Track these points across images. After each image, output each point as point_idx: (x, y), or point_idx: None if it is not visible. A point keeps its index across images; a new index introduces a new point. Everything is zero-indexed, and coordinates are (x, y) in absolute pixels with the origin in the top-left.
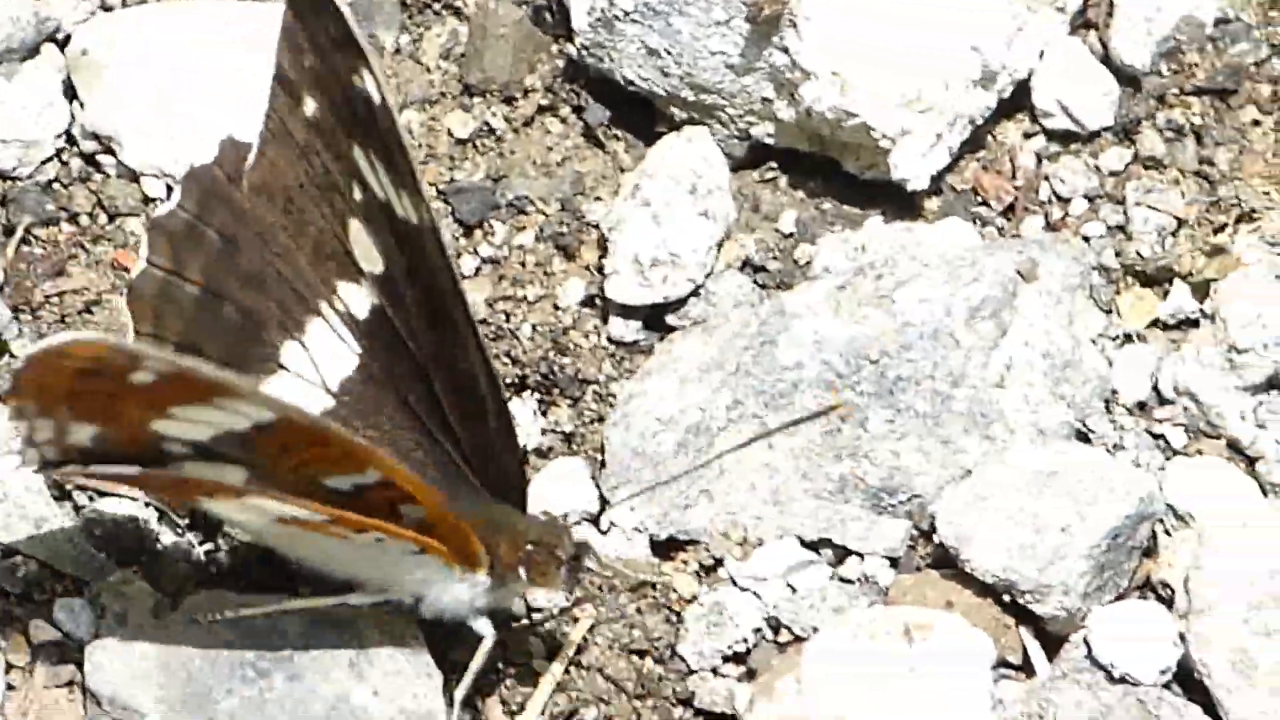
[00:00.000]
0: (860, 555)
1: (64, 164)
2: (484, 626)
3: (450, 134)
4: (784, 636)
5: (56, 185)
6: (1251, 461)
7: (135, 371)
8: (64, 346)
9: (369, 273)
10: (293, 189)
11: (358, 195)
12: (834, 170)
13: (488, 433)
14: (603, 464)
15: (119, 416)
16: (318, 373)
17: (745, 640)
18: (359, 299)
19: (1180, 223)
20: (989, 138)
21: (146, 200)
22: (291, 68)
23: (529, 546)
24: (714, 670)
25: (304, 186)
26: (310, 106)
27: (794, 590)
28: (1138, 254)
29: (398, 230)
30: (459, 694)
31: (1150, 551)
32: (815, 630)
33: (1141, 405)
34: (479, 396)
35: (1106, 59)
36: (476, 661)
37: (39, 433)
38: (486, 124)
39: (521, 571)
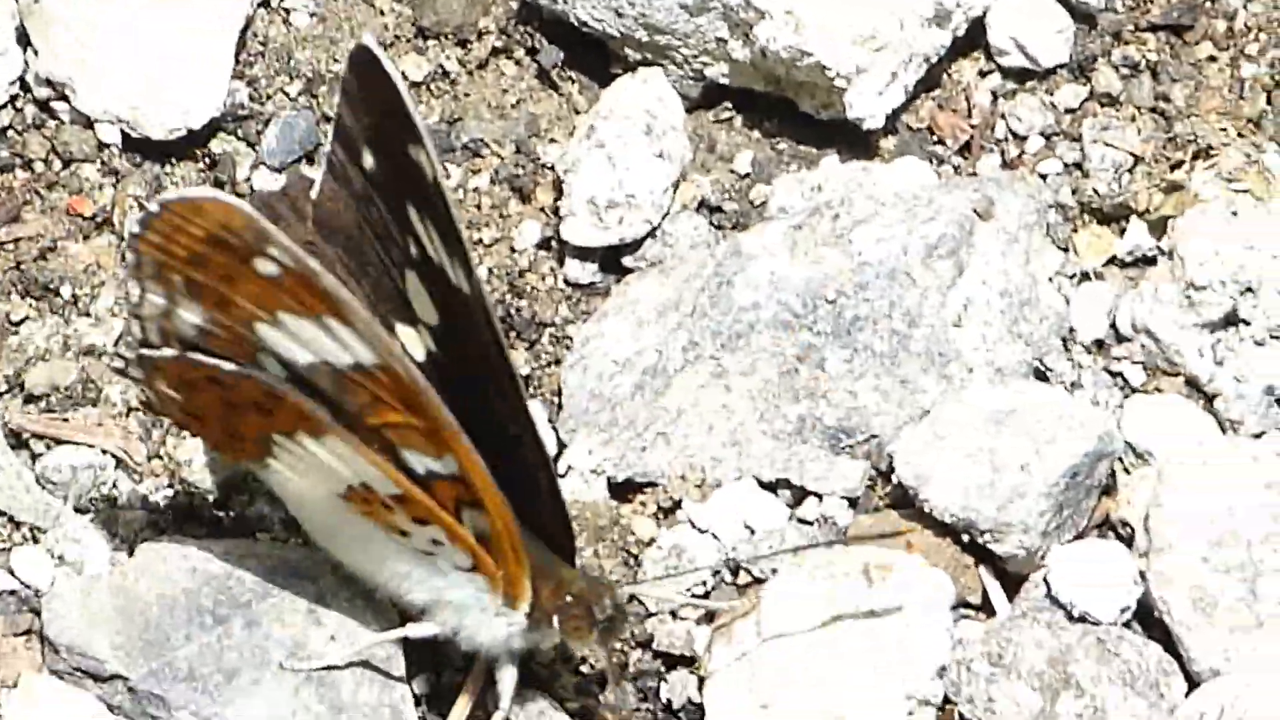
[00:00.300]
0: (819, 496)
1: (18, 110)
2: (506, 682)
3: (404, 76)
4: (743, 578)
5: (10, 132)
6: (1210, 399)
7: (262, 256)
8: (202, 201)
9: (424, 322)
10: (353, 231)
11: (414, 251)
12: (789, 110)
13: (535, 484)
14: (560, 406)
15: (228, 306)
16: None
17: (704, 583)
18: (415, 343)
19: (1137, 160)
20: (944, 76)
21: (101, 146)
22: (350, 119)
23: (568, 598)
24: (673, 613)
25: (363, 230)
26: (369, 161)
27: (752, 532)
28: (1094, 191)
29: (449, 294)
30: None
31: (1109, 490)
32: (774, 572)
33: (1099, 343)
34: (525, 451)
35: None
36: (505, 698)
37: (148, 304)
38: (440, 67)
39: (556, 622)
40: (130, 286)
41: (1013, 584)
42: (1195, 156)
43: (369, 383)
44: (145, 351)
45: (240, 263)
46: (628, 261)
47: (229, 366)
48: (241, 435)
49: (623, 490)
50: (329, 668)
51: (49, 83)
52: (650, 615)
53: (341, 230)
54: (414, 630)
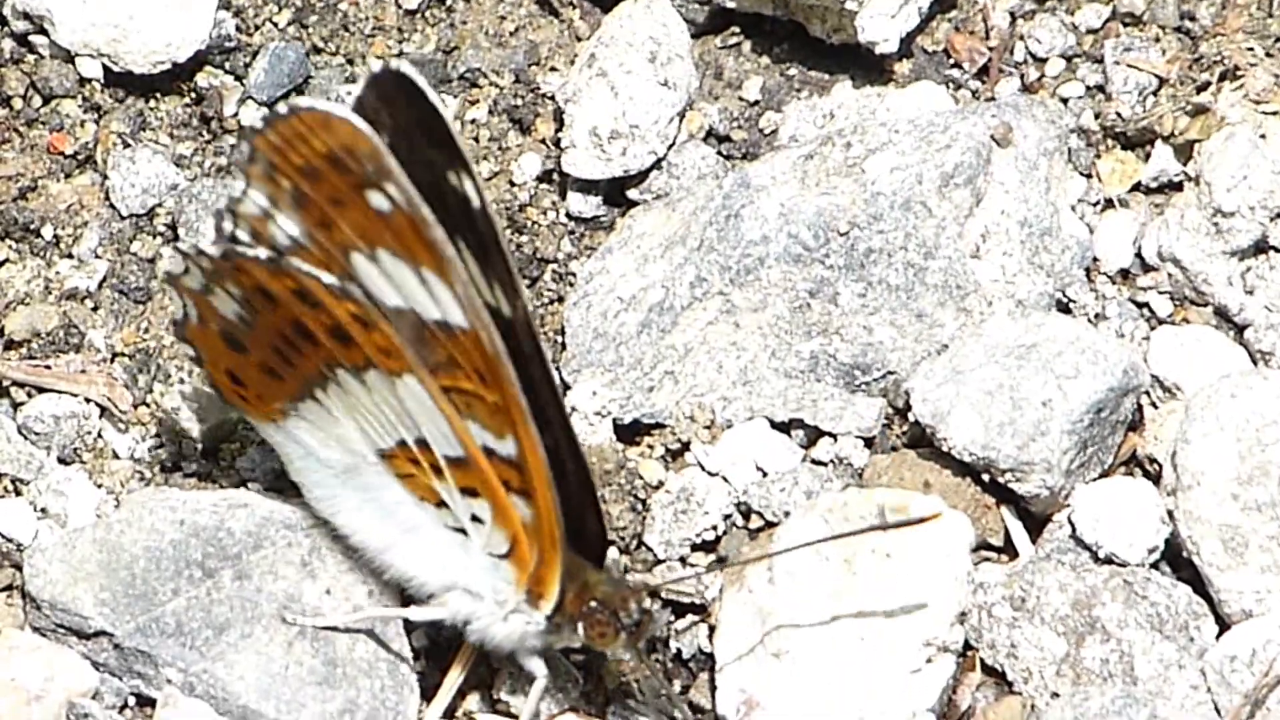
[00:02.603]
0: (833, 436)
1: None
2: (536, 666)
3: (399, 5)
4: (755, 522)
5: None
6: (1240, 329)
7: (377, 189)
8: (333, 117)
9: None
10: None
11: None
12: (800, 35)
13: (570, 491)
14: (563, 346)
15: (330, 227)
16: None
17: (714, 527)
18: None
19: (1161, 81)
20: None
21: (82, 81)
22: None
23: (593, 603)
24: (682, 560)
25: None
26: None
27: (764, 474)
28: (1118, 115)
29: (490, 311)
30: None
31: (1135, 426)
32: (787, 515)
33: (1124, 273)
34: (564, 460)
35: None
36: (529, 706)
37: (249, 202)
38: None
39: (580, 626)
40: (235, 181)
41: (1035, 525)
42: (1222, 78)
43: (450, 343)
44: (237, 248)
45: (354, 189)
46: (632, 194)
47: (330, 279)
48: (285, 371)
49: (629, 432)
50: (328, 628)
51: (26, 15)
52: (659, 562)
53: None
54: (418, 613)
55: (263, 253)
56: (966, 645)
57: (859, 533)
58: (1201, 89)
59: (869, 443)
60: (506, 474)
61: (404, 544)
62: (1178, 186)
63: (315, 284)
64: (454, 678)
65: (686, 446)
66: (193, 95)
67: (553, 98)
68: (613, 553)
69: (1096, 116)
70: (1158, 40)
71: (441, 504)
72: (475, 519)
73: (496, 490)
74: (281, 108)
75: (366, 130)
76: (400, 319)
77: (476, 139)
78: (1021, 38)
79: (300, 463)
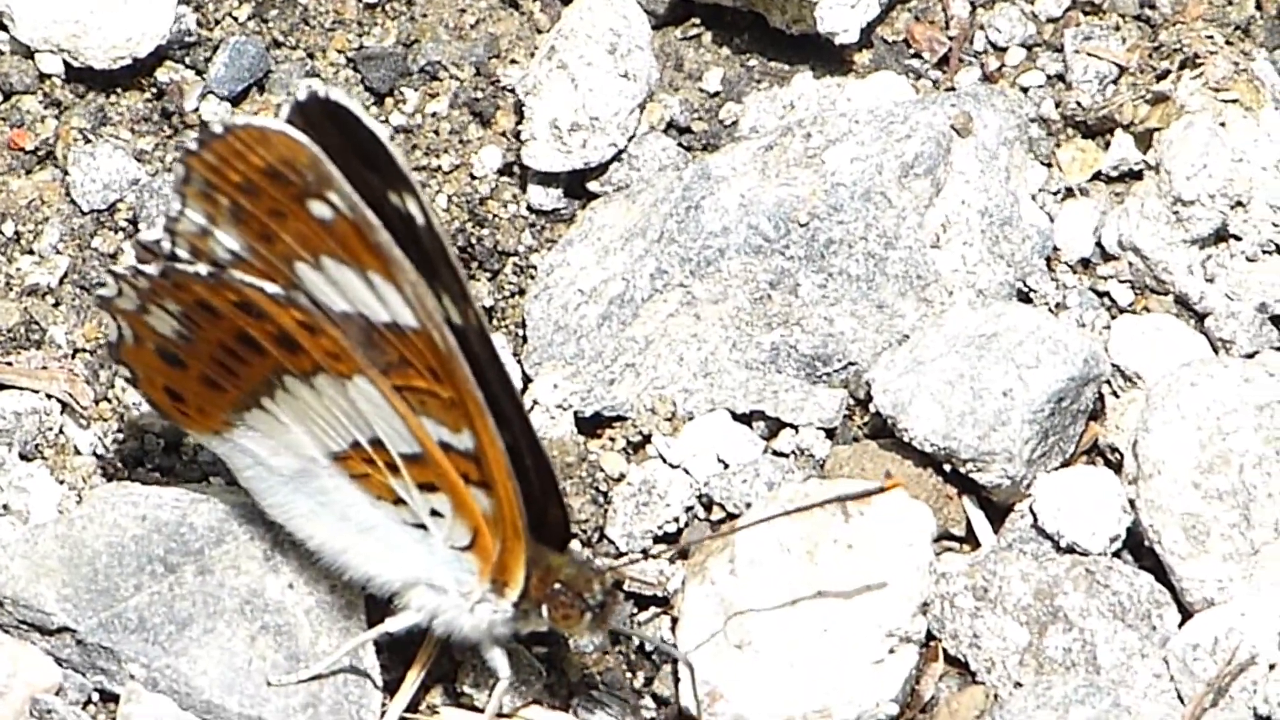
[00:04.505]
0: (794, 427)
1: None
2: (500, 665)
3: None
4: (716, 514)
5: None
6: (1200, 318)
7: (318, 199)
8: (270, 132)
9: None
10: None
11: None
12: (760, 25)
13: (531, 482)
14: (524, 339)
15: (272, 239)
16: None
17: (676, 519)
18: None
19: (1121, 70)
20: None
21: (42, 77)
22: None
23: (557, 585)
24: (644, 552)
25: None
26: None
27: (726, 466)
28: (1078, 104)
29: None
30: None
31: (1097, 415)
32: (748, 506)
33: (1085, 262)
34: (522, 454)
35: None
36: (493, 705)
37: (186, 220)
38: None
39: (544, 610)
40: (172, 200)
41: (997, 515)
42: (1182, 66)
43: (401, 343)
44: (176, 265)
45: (295, 200)
46: (593, 186)
47: (273, 289)
48: (229, 382)
49: (590, 425)
50: (316, 677)
51: None
52: (620, 555)
53: None
54: (394, 624)
55: (203, 268)
56: (929, 635)
57: (820, 505)
58: (1161, 77)
59: (830, 434)
60: (465, 467)
61: (362, 544)
62: (1138, 175)
63: (258, 295)
64: (417, 672)
65: (648, 439)
66: (153, 90)
67: (513, 90)
68: (574, 545)
69: (1057, 105)
70: (1118, 29)
71: (399, 501)
72: (435, 513)
73: (455, 484)
74: (216, 126)
75: (304, 141)
76: (348, 323)
77: (437, 132)
78: (981, 27)
79: (249, 472)
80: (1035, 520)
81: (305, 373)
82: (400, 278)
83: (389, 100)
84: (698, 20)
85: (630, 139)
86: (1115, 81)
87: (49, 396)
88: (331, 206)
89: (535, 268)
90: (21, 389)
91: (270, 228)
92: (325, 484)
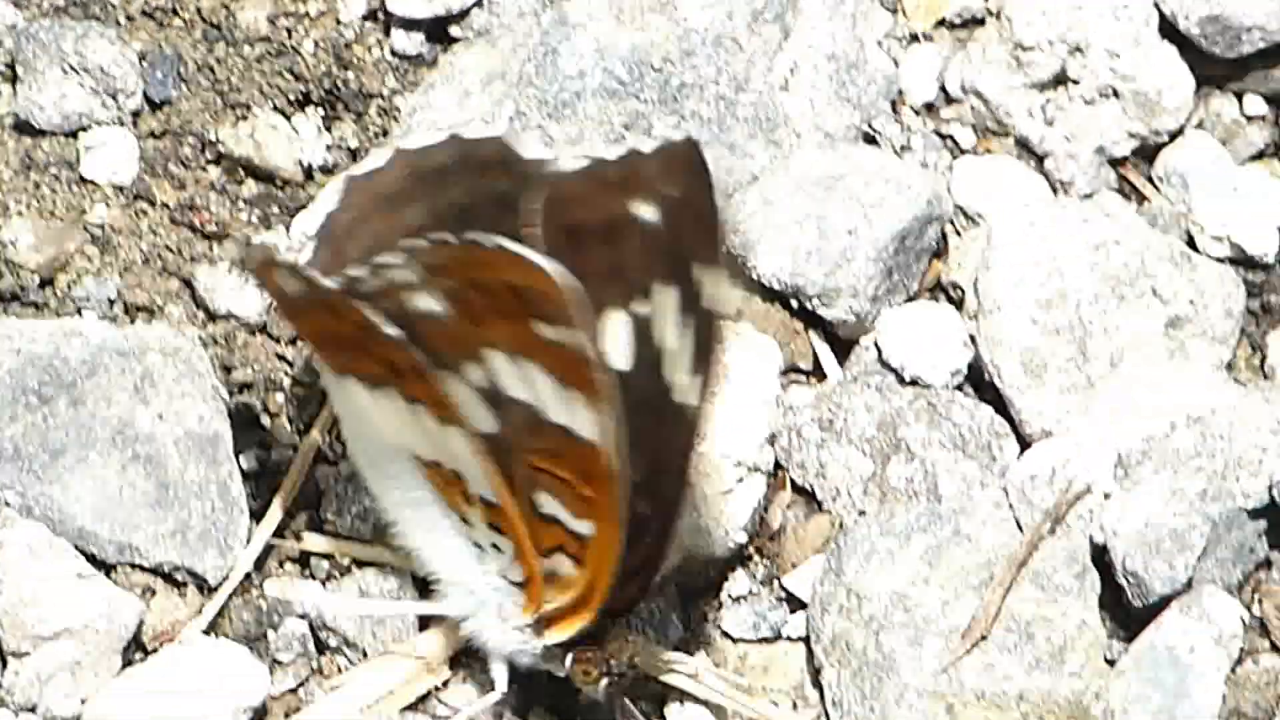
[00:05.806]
0: None
1: None
2: (500, 678)
3: None
4: None
5: None
6: (1040, 159)
7: (550, 325)
8: (529, 264)
9: None
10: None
11: (640, 313)
12: None
13: (630, 563)
14: None
15: (480, 324)
16: None
17: None
18: None
19: None
20: None
21: None
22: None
23: (587, 640)
24: None
25: None
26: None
27: None
28: None
29: (658, 385)
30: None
31: (940, 253)
32: None
33: (929, 106)
34: (646, 529)
35: None
36: (475, 712)
37: (396, 272)
38: None
39: (569, 659)
40: (387, 255)
41: (843, 349)
42: None
43: (564, 443)
44: (311, 274)
45: (524, 314)
46: (455, 31)
47: (394, 332)
48: (350, 354)
49: None
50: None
51: None
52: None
53: None
54: (426, 607)
55: (333, 283)
56: (777, 465)
57: None
58: None
59: None
60: (567, 541)
61: (421, 532)
62: (980, 22)
63: (378, 329)
64: (282, 500)
65: None
66: None
67: None
68: None
69: None
70: None
71: (466, 521)
72: (496, 548)
73: (523, 539)
74: (457, 237)
75: (566, 283)
76: (515, 405)
77: None
78: None
79: (357, 422)
80: (880, 354)
81: (409, 397)
82: (604, 409)
83: None
84: None
85: None
86: None
87: None
88: (560, 338)
89: (399, 110)
90: None
91: (487, 320)
92: (406, 475)
